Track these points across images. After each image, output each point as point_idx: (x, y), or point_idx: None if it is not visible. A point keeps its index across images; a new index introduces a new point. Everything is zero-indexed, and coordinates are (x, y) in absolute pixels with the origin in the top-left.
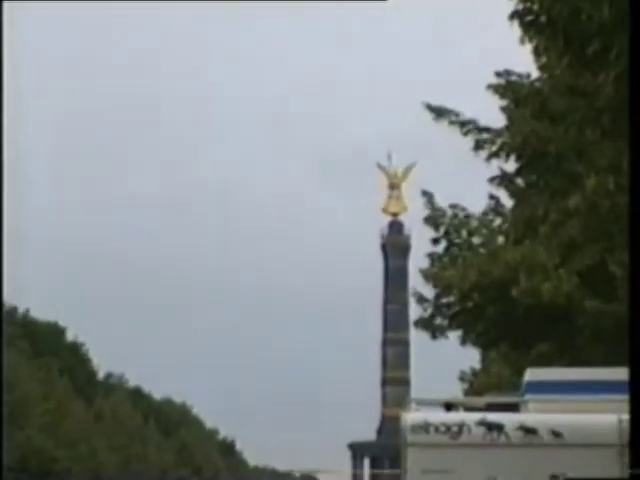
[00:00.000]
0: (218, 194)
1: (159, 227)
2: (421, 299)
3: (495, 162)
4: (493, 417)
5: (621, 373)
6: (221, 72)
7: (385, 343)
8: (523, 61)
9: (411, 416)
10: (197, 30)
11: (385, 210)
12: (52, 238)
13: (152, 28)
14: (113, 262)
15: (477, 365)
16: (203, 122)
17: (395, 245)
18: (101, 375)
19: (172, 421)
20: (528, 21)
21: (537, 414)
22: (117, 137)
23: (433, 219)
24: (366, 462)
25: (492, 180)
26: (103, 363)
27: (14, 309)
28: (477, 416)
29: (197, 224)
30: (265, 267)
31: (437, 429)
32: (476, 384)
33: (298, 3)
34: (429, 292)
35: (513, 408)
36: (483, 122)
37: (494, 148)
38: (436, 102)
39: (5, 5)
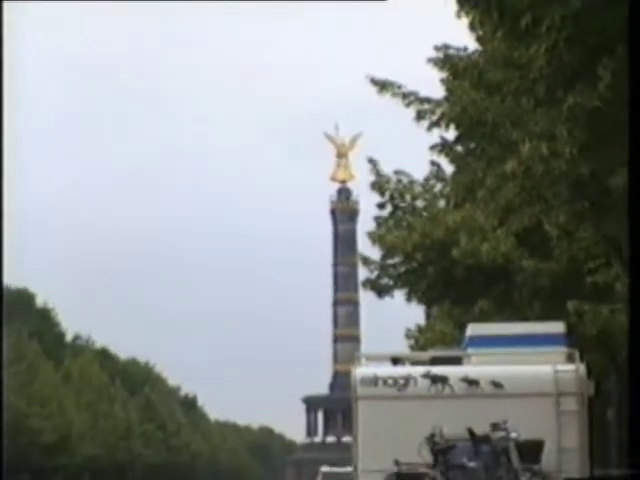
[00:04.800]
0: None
1: (120, 194)
2: (368, 261)
3: (436, 131)
4: (437, 370)
5: (555, 327)
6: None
7: (336, 303)
8: (460, 35)
9: (361, 371)
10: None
11: (334, 178)
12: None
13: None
14: (79, 228)
15: (422, 322)
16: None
17: (343, 210)
18: (69, 337)
19: (137, 380)
20: None
21: (479, 366)
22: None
23: (379, 185)
24: (320, 415)
25: (433, 148)
26: (71, 326)
27: None
28: (422, 369)
29: (161, 188)
30: (226, 221)
31: (385, 382)
32: (421, 340)
33: None
34: (376, 254)
35: (456, 361)
36: (424, 93)
37: (435, 118)
38: (380, 75)
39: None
